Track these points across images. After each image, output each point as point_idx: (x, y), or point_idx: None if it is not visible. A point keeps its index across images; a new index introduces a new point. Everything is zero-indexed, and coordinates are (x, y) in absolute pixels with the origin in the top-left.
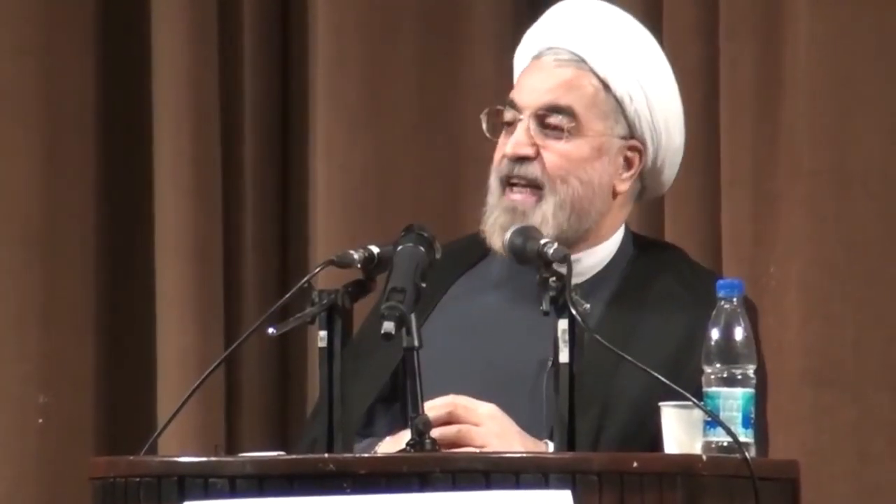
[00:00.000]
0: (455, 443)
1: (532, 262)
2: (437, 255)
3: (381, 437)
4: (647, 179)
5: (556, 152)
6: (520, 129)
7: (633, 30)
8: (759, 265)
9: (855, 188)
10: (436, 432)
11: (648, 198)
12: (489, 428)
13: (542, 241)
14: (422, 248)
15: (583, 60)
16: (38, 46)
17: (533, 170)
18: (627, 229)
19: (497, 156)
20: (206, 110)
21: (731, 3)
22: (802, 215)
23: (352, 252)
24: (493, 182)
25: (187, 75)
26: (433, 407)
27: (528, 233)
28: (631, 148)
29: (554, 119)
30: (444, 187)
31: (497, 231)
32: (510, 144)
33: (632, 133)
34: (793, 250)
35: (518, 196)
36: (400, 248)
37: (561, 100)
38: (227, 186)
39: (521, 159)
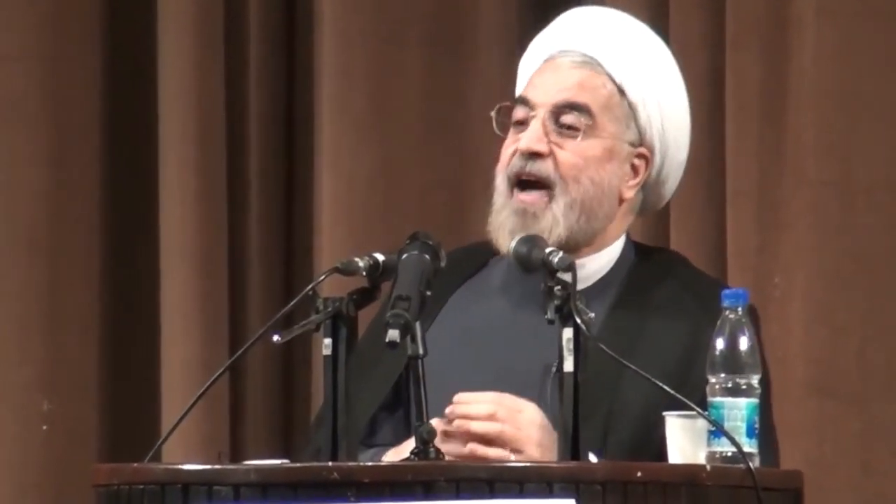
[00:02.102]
0: (493, 441)
1: (537, 270)
2: (443, 264)
3: (386, 445)
4: (648, 191)
5: (570, 150)
6: (535, 125)
7: (648, 38)
8: (764, 275)
9: (860, 199)
10: (478, 426)
11: (646, 212)
12: (529, 434)
13: (548, 250)
14: (427, 257)
15: (599, 63)
16: (44, 54)
17: (545, 167)
18: (628, 237)
19: (505, 154)
20: (211, 118)
21: (737, 12)
22: (807, 225)
23: (357, 259)
24: (501, 182)
25: (193, 84)
26: (478, 400)
27: (533, 241)
28: (639, 156)
29: (569, 117)
30: (449, 196)
31: (503, 233)
32: (524, 140)
33: (641, 140)
34: (798, 260)
35: (528, 197)
36: (405, 256)
37: (578, 98)
38: (232, 194)
39: (533, 155)
